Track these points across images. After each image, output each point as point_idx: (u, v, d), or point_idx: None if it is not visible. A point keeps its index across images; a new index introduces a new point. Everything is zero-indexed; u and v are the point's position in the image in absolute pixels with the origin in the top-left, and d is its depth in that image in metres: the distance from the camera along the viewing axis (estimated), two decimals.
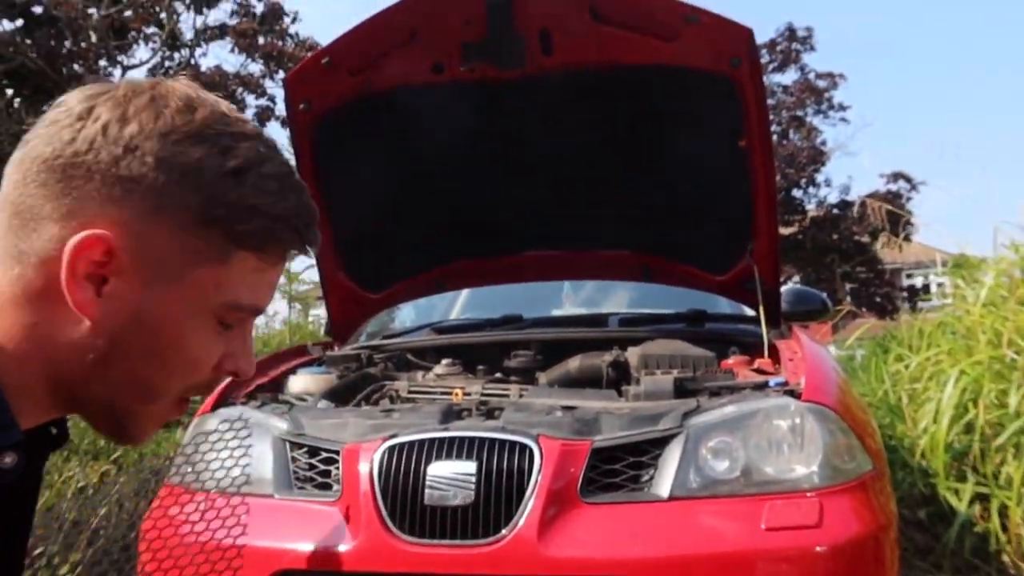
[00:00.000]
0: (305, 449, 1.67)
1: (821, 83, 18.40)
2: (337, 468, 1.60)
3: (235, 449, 1.76)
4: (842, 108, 18.57)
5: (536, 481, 1.44)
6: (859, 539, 1.45)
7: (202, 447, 1.79)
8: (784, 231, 17.20)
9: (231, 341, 0.67)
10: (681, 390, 1.84)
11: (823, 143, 18.40)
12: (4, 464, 0.59)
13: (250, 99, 12.31)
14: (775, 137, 16.86)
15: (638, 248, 2.46)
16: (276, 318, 8.44)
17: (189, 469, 1.79)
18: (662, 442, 1.52)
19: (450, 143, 2.27)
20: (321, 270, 2.40)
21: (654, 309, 2.76)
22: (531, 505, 1.43)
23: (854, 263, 17.08)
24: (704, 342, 2.14)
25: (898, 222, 6.10)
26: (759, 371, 1.93)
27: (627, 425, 1.59)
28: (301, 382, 2.09)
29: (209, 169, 0.61)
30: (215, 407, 1.85)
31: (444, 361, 2.20)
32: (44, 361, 0.62)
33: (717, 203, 2.28)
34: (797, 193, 18.31)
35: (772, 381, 1.75)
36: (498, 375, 2.16)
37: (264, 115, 12.16)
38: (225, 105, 0.65)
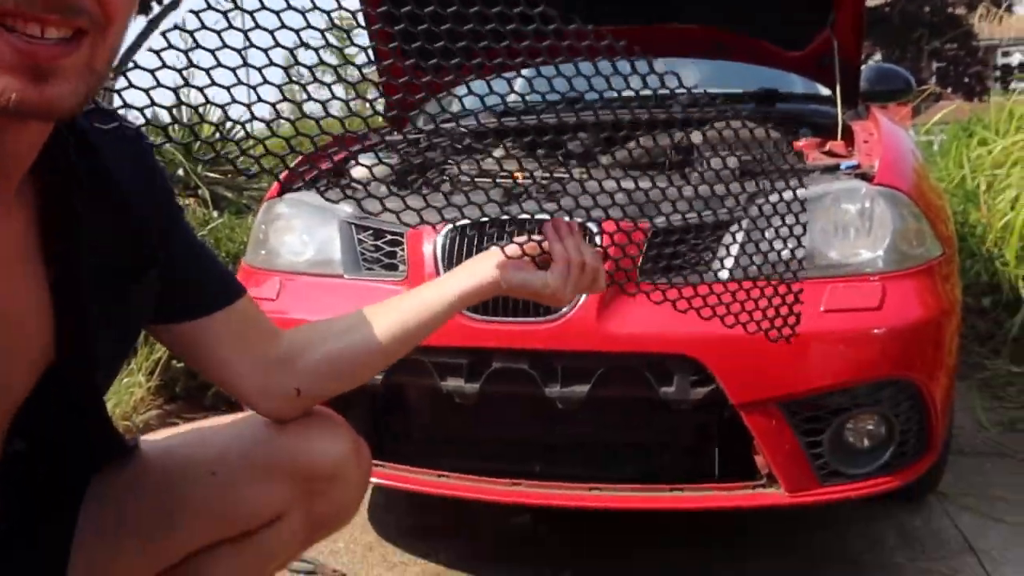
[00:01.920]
0: (371, 231, 1.72)
1: None
2: (403, 249, 1.65)
3: (303, 232, 1.81)
4: None
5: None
6: (919, 323, 1.45)
7: (271, 230, 1.85)
8: (870, 3, 15.79)
9: None
10: (746, 173, 1.79)
11: None
12: None
13: None
14: None
15: (710, 21, 2.29)
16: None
17: (262, 251, 1.86)
18: (725, 224, 1.51)
19: None
20: (375, 51, 2.32)
21: (724, 88, 2.63)
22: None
23: (945, 39, 15.74)
24: (775, 123, 2.05)
25: None
26: (831, 153, 1.85)
27: (689, 206, 1.57)
28: (363, 166, 2.10)
29: None
30: (281, 192, 1.89)
31: (504, 143, 2.17)
32: None
33: None
34: None
35: (844, 164, 1.68)
36: (559, 156, 2.13)
37: None
38: None
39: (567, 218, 0.98)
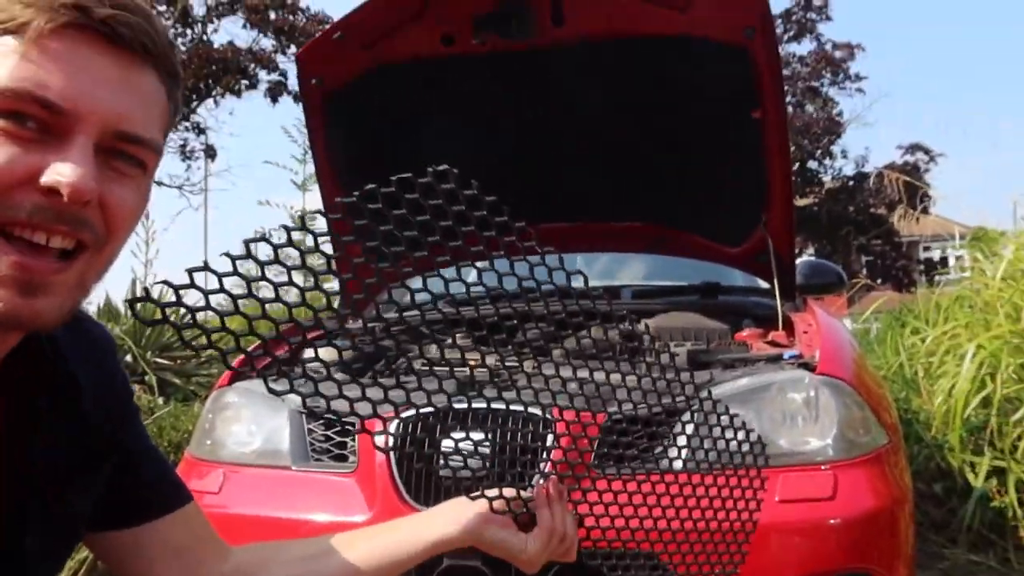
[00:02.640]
0: (321, 422, 1.69)
1: (838, 54, 18.14)
2: (353, 440, 1.62)
3: (251, 422, 1.78)
4: (859, 78, 18.33)
5: (550, 453, 1.45)
6: (874, 512, 1.45)
7: (219, 420, 1.81)
8: (799, 203, 17.07)
9: (43, 151, 0.59)
10: (695, 362, 1.84)
11: (839, 114, 18.21)
12: None
13: (262, 74, 12.29)
14: (790, 108, 16.65)
15: (651, 219, 2.44)
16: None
17: (208, 441, 1.81)
18: (676, 414, 1.52)
19: (461, 116, 2.26)
20: (334, 243, 2.41)
21: (667, 281, 2.75)
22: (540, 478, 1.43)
23: (870, 235, 16.93)
24: (718, 314, 2.13)
25: (916, 194, 6.04)
26: (773, 344, 1.92)
27: (641, 397, 1.59)
28: (321, 354, 2.10)
29: None
30: (232, 381, 1.87)
31: (458, 333, 2.20)
32: None
33: (731, 174, 2.25)
34: (812, 165, 18.13)
35: (786, 354, 1.74)
36: (512, 347, 2.17)
37: (276, 90, 12.14)
38: None
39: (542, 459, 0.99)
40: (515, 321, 0.98)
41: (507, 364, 1.68)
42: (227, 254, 0.68)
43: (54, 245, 0.60)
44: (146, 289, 0.97)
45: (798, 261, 2.60)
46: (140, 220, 0.70)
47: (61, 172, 0.58)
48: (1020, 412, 2.67)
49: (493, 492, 0.91)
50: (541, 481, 0.95)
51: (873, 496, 1.46)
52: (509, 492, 0.92)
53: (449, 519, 0.91)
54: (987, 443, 2.83)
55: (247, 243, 0.70)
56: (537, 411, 1.49)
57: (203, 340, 0.74)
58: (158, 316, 0.66)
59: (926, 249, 20.04)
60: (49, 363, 0.73)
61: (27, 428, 0.72)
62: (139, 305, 0.76)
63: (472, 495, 0.91)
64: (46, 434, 0.73)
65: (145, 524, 0.85)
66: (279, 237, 0.77)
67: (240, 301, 0.72)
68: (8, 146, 0.58)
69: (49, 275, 0.60)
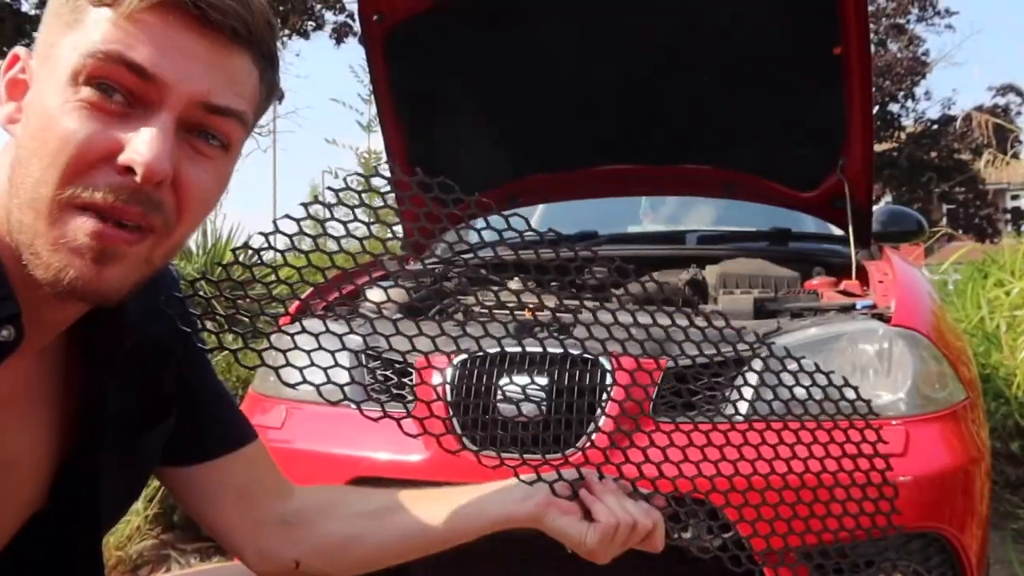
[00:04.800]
0: (380, 361, 1.70)
1: None
2: (411, 380, 1.62)
3: (313, 360, 1.80)
4: (948, 14, 17.23)
5: (607, 398, 1.43)
6: (947, 470, 1.39)
7: (281, 357, 1.84)
8: (878, 148, 16.34)
9: (125, 127, 0.59)
10: (761, 310, 1.78)
11: (925, 53, 17.20)
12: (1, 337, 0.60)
13: (328, 15, 12.25)
14: (872, 46, 15.83)
15: (721, 163, 2.35)
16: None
17: (271, 378, 1.84)
18: (740, 363, 1.48)
19: (526, 54, 2.19)
20: (395, 184, 2.39)
21: (736, 227, 2.66)
22: (602, 422, 1.42)
23: (953, 183, 16.14)
24: (788, 262, 2.06)
25: (1006, 139, 5.70)
26: (845, 293, 1.84)
27: (703, 344, 1.55)
28: (377, 295, 2.11)
29: None
30: (294, 319, 1.90)
31: (518, 277, 2.18)
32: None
33: (808, 115, 2.15)
34: (894, 107, 17.28)
35: (859, 304, 1.67)
36: (572, 291, 2.14)
37: (342, 31, 12.10)
38: None
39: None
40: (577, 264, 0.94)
41: (568, 309, 1.66)
42: (303, 205, 0.74)
43: (126, 223, 0.61)
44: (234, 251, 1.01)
45: (875, 208, 2.48)
46: (216, 203, 0.69)
47: (138, 151, 0.58)
48: None
49: (552, 476, 0.87)
50: (594, 475, 0.90)
51: (947, 453, 1.40)
52: (568, 475, 0.87)
53: (516, 496, 0.87)
54: None
55: (305, 206, 0.75)
56: (596, 356, 1.47)
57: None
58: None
59: (1014, 198, 19.07)
60: (117, 317, 0.72)
61: (101, 383, 0.73)
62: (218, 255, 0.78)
63: (527, 479, 0.87)
64: (119, 389, 0.74)
65: (207, 462, 0.86)
66: (345, 194, 0.78)
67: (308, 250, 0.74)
68: (91, 121, 0.59)
69: (123, 244, 0.60)
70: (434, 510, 0.87)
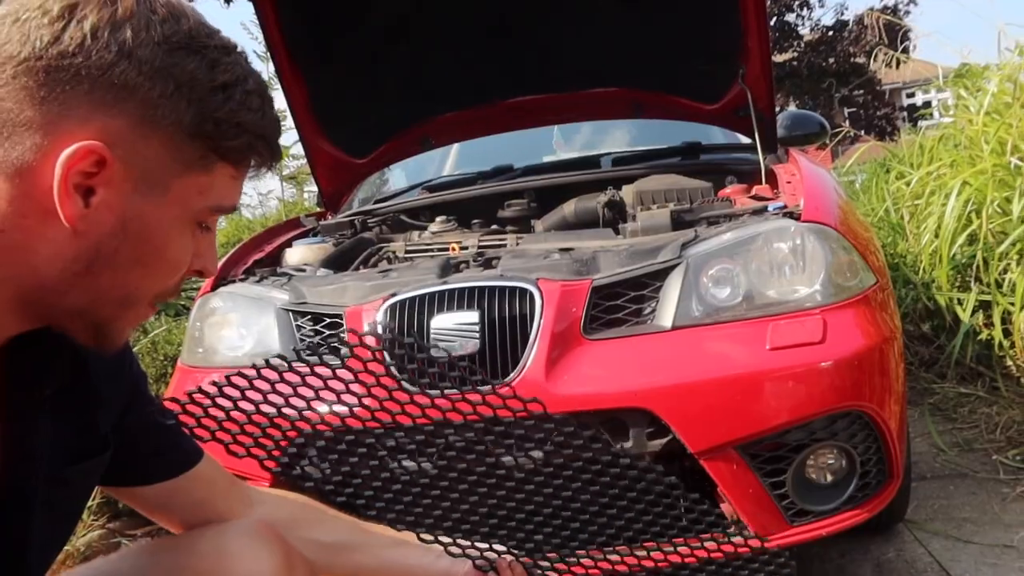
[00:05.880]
0: (308, 316, 1.68)
1: None
2: (342, 331, 1.61)
3: (239, 325, 1.76)
4: None
5: (539, 324, 1.45)
6: (864, 352, 1.46)
7: (207, 326, 1.80)
8: (778, 59, 16.62)
9: (199, 242, 0.69)
10: (679, 222, 1.82)
11: None
12: None
13: None
14: None
15: (627, 83, 2.37)
16: (271, 195, 8.40)
17: (199, 349, 1.80)
18: (662, 274, 1.51)
19: None
20: (304, 140, 2.33)
21: (648, 146, 2.70)
22: (536, 347, 1.44)
23: (852, 86, 16.60)
24: (700, 174, 2.10)
25: (896, 37, 5.88)
26: (757, 197, 1.90)
27: (626, 260, 1.58)
28: (298, 253, 2.07)
29: (200, 83, 0.63)
30: (215, 287, 1.85)
31: (438, 218, 2.17)
32: (16, 275, 0.61)
33: (706, 29, 2.17)
34: (791, 17, 17.57)
35: (771, 206, 1.72)
36: (494, 226, 2.14)
37: None
38: (198, 13, 0.67)
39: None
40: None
41: (490, 244, 1.67)
42: None
43: None
44: None
45: (779, 115, 2.54)
46: None
47: (211, 267, 0.72)
48: (1004, 245, 2.67)
49: (483, 545, 1.08)
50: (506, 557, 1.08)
51: (862, 336, 1.47)
52: (490, 554, 1.07)
53: (455, 561, 1.05)
54: (973, 279, 2.85)
55: None
56: (523, 284, 1.48)
57: None
58: None
59: (909, 96, 19.74)
60: (56, 350, 0.71)
61: (32, 417, 0.70)
62: None
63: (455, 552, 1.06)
64: (52, 422, 0.72)
65: (157, 484, 0.88)
66: None
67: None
68: (190, 243, 0.68)
69: None
70: (386, 555, 1.02)
